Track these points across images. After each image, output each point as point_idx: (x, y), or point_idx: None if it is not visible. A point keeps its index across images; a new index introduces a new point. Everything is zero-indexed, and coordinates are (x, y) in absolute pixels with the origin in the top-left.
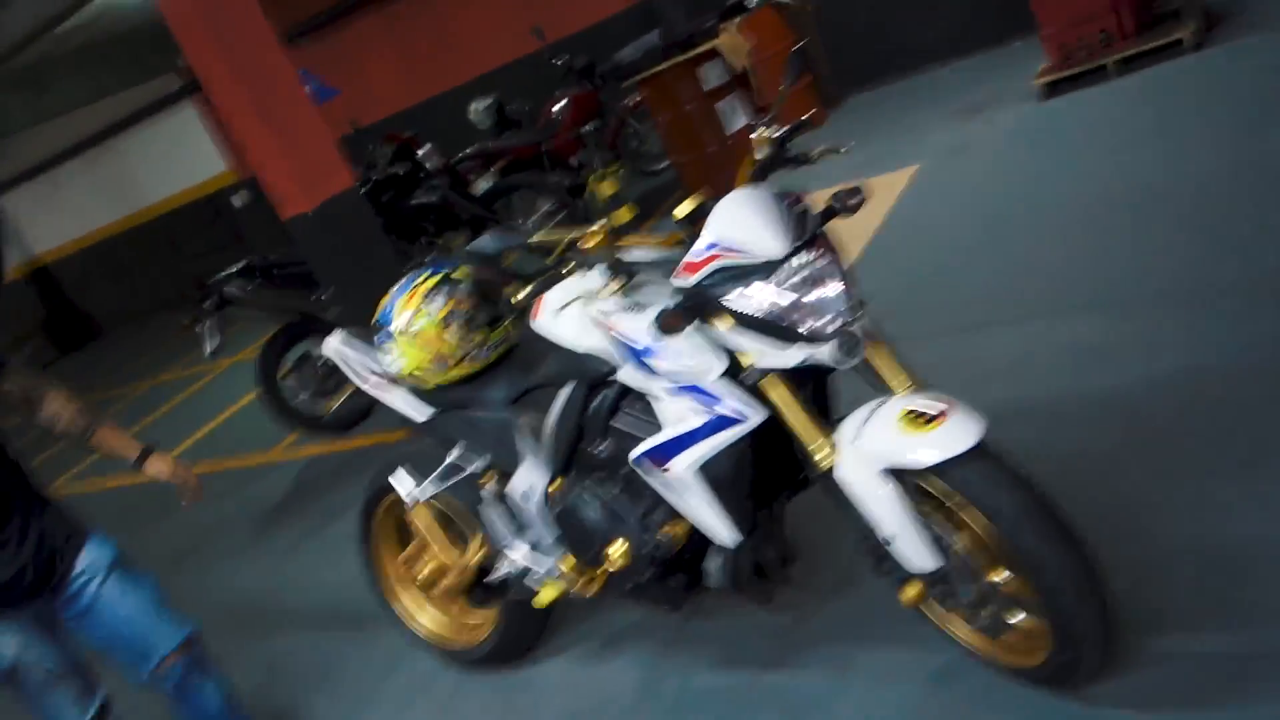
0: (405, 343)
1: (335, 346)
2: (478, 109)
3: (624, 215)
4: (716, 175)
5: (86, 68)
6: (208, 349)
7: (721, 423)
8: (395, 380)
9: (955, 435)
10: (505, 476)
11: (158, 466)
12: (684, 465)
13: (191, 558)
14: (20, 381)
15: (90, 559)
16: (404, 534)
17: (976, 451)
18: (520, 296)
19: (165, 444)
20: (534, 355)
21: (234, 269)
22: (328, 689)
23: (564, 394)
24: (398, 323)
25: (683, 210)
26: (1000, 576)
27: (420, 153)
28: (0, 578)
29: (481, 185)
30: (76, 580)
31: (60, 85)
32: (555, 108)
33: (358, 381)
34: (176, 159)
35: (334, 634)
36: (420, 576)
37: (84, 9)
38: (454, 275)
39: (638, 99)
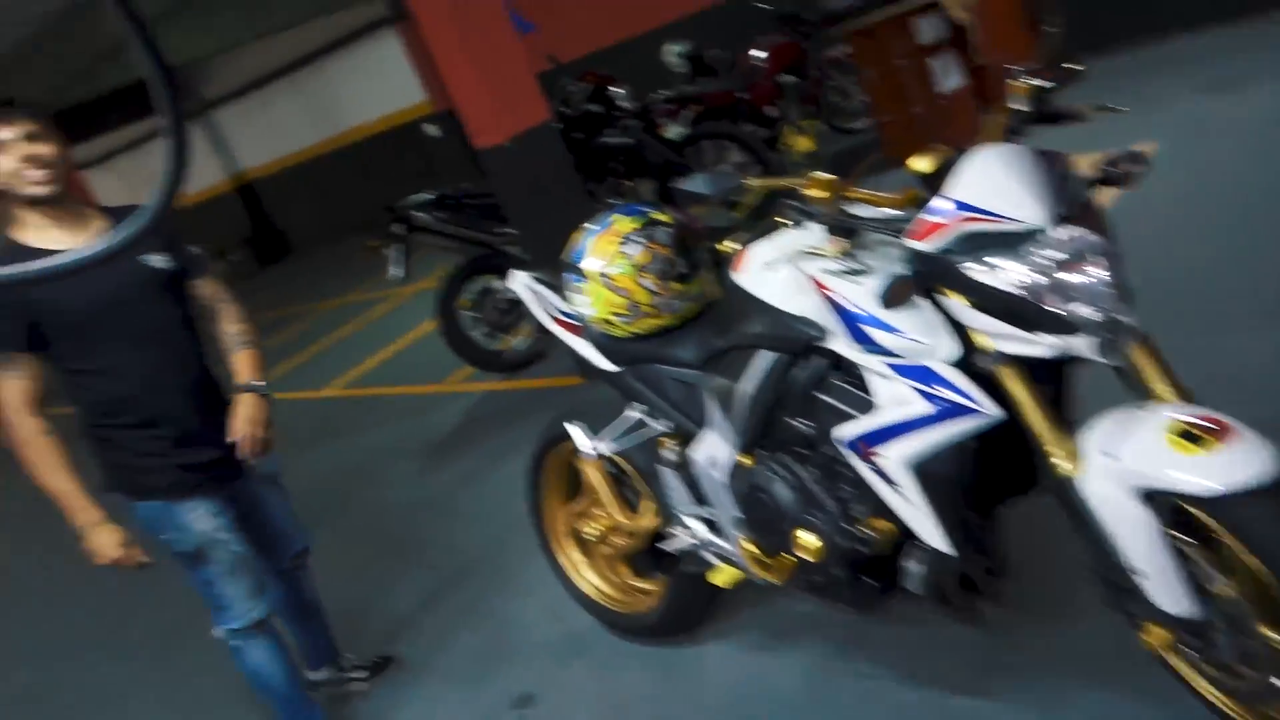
0: (598, 286)
1: (523, 282)
2: (672, 52)
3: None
4: (920, 137)
5: None
6: (392, 273)
7: (948, 413)
8: (582, 324)
9: (1243, 465)
10: (689, 441)
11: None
12: (898, 456)
13: (362, 479)
14: (211, 289)
15: (265, 464)
16: (575, 485)
17: (1268, 488)
18: (728, 245)
19: (344, 364)
20: (733, 314)
21: (425, 197)
22: (477, 626)
23: (764, 358)
24: (591, 264)
25: (922, 164)
26: (1276, 635)
27: (615, 93)
28: (211, 455)
29: (674, 131)
30: (250, 476)
31: (279, 4)
32: (755, 55)
33: (544, 320)
34: (377, 86)
35: (492, 575)
36: (587, 532)
37: None
38: (656, 217)
39: (844, 51)
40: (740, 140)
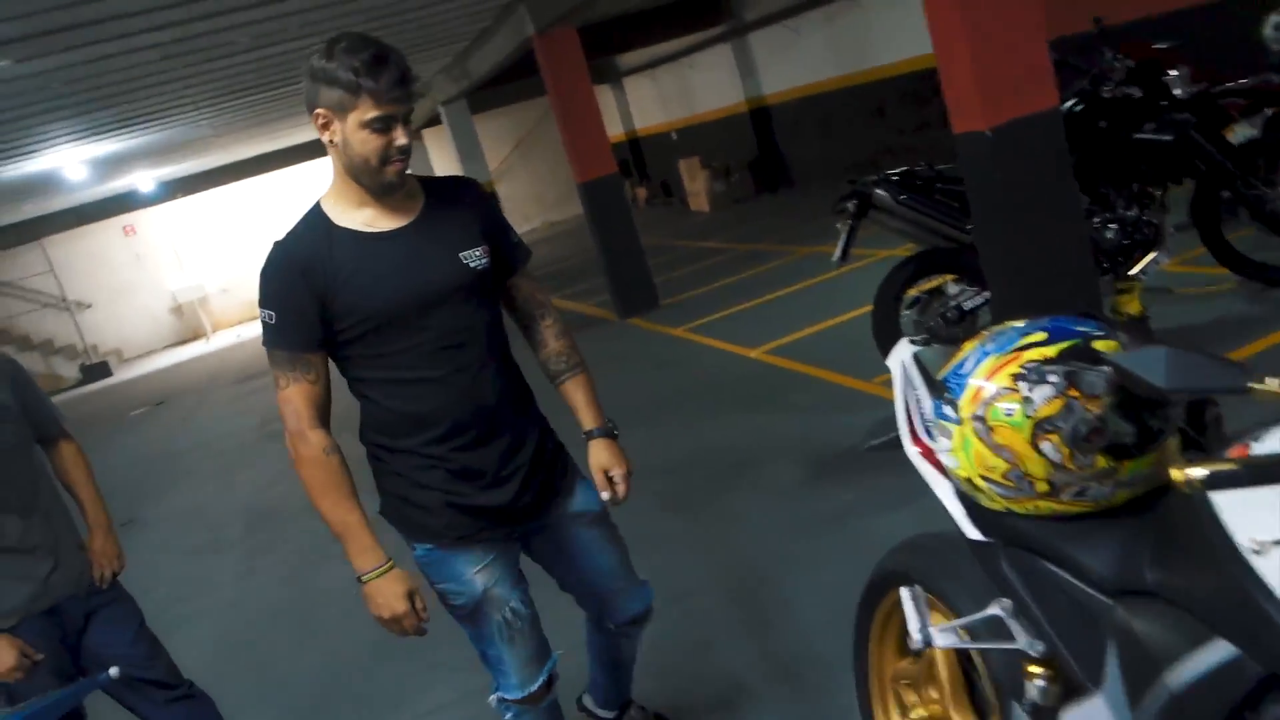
0: (971, 434)
1: (902, 355)
2: (1275, 24)
3: None
4: None
5: None
6: (836, 254)
7: None
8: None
9: None
10: (1068, 688)
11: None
12: None
13: (741, 470)
14: (529, 288)
15: (582, 500)
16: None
17: None
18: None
19: (782, 325)
20: (1195, 548)
21: (891, 173)
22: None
23: (1219, 651)
24: (970, 398)
25: None
26: None
27: (1170, 75)
28: (494, 499)
29: (1241, 133)
30: (562, 517)
31: None
32: None
33: (900, 428)
34: (909, 26)
35: (799, 652)
36: (914, 710)
37: None
38: (1094, 346)
39: None
40: None
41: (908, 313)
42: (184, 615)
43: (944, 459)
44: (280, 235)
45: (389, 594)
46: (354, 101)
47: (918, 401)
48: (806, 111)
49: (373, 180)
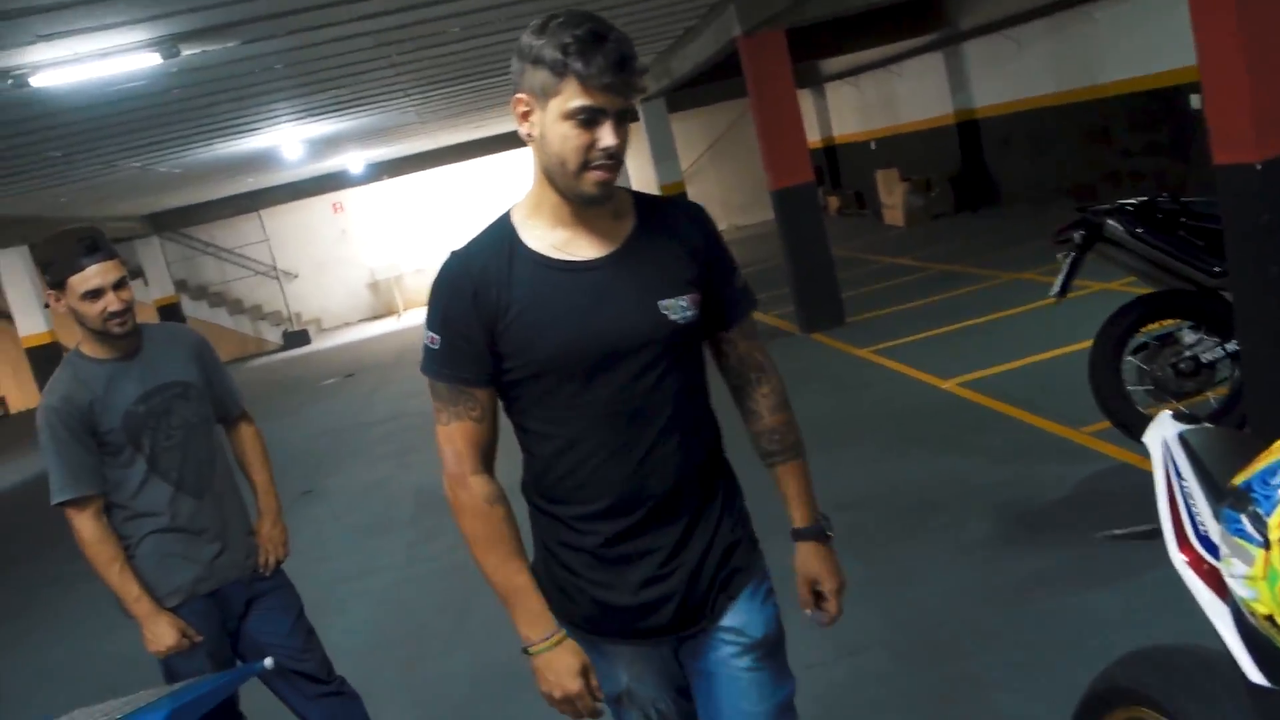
0: (1278, 560)
1: (1165, 434)
2: None
3: None
4: None
5: None
6: (1054, 286)
7: None
8: (1230, 592)
9: None
10: None
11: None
12: None
13: (914, 519)
14: (746, 347)
15: (746, 617)
16: None
17: None
18: None
19: (978, 357)
20: None
21: (1127, 203)
22: None
23: None
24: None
25: None
26: None
27: None
28: (646, 603)
29: None
30: (719, 633)
31: None
32: None
33: (1165, 527)
34: (1140, 41)
35: None
36: None
37: None
38: None
39: None
40: None
41: (1132, 358)
42: (345, 597)
43: (1232, 583)
44: (460, 244)
45: (560, 670)
46: (557, 85)
47: (1189, 498)
48: (1020, 127)
49: (569, 188)
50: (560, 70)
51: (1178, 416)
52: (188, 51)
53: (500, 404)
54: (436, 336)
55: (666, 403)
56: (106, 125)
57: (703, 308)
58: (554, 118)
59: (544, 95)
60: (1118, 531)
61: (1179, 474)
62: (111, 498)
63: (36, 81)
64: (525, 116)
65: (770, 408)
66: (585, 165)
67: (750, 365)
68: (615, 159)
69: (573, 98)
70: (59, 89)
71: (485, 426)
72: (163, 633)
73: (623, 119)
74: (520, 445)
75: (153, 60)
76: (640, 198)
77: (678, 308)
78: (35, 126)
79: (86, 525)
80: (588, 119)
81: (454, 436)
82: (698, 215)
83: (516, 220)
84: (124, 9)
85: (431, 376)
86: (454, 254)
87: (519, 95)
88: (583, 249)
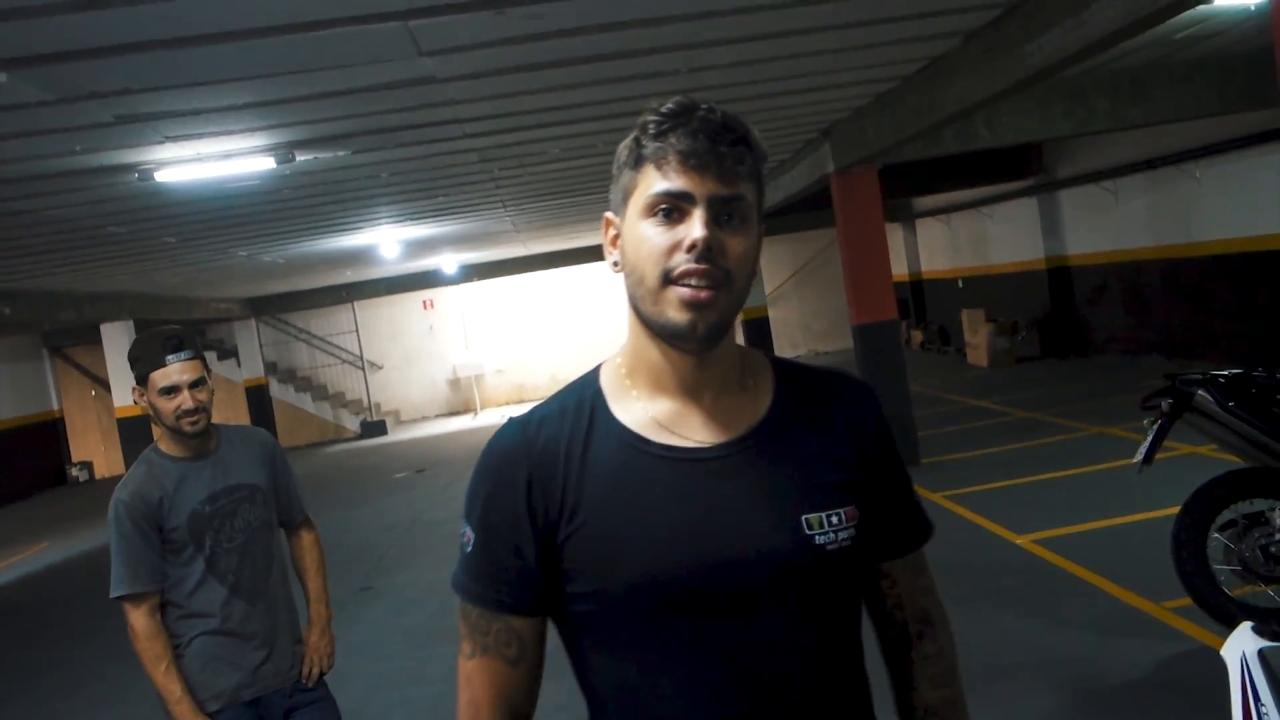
0: None
1: (1241, 647)
2: None
3: None
4: None
5: (1189, 83)
6: (1139, 455)
7: None
8: None
9: None
10: None
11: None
12: None
13: (986, 681)
14: (912, 585)
15: None
16: None
17: None
18: None
19: (1058, 513)
20: None
21: (1219, 374)
22: None
23: None
24: None
25: None
26: None
27: None
28: None
29: None
30: None
31: (1154, 96)
32: None
33: None
34: (1245, 203)
35: None
36: None
37: (1180, 19)
38: None
39: None
40: None
41: (1219, 535)
42: (389, 706)
43: None
44: (524, 410)
45: None
46: (634, 177)
47: (1264, 719)
48: (1114, 278)
49: (652, 318)
50: (637, 156)
51: (1259, 630)
52: (301, 157)
53: (560, 636)
54: (472, 536)
55: (801, 665)
56: (219, 218)
57: (860, 528)
58: (633, 220)
59: (624, 201)
60: None
61: (1257, 696)
62: (168, 595)
63: (161, 176)
64: (614, 242)
65: (933, 677)
66: (667, 277)
67: (914, 614)
68: (713, 266)
69: (651, 184)
70: (180, 184)
71: (521, 672)
72: None
73: (726, 210)
74: (585, 698)
75: (268, 164)
76: (783, 366)
77: (829, 525)
78: (155, 215)
79: (141, 620)
80: (669, 209)
81: (475, 679)
82: (866, 397)
83: (606, 382)
84: (249, 119)
85: (461, 595)
86: (512, 421)
87: (606, 216)
88: (695, 430)
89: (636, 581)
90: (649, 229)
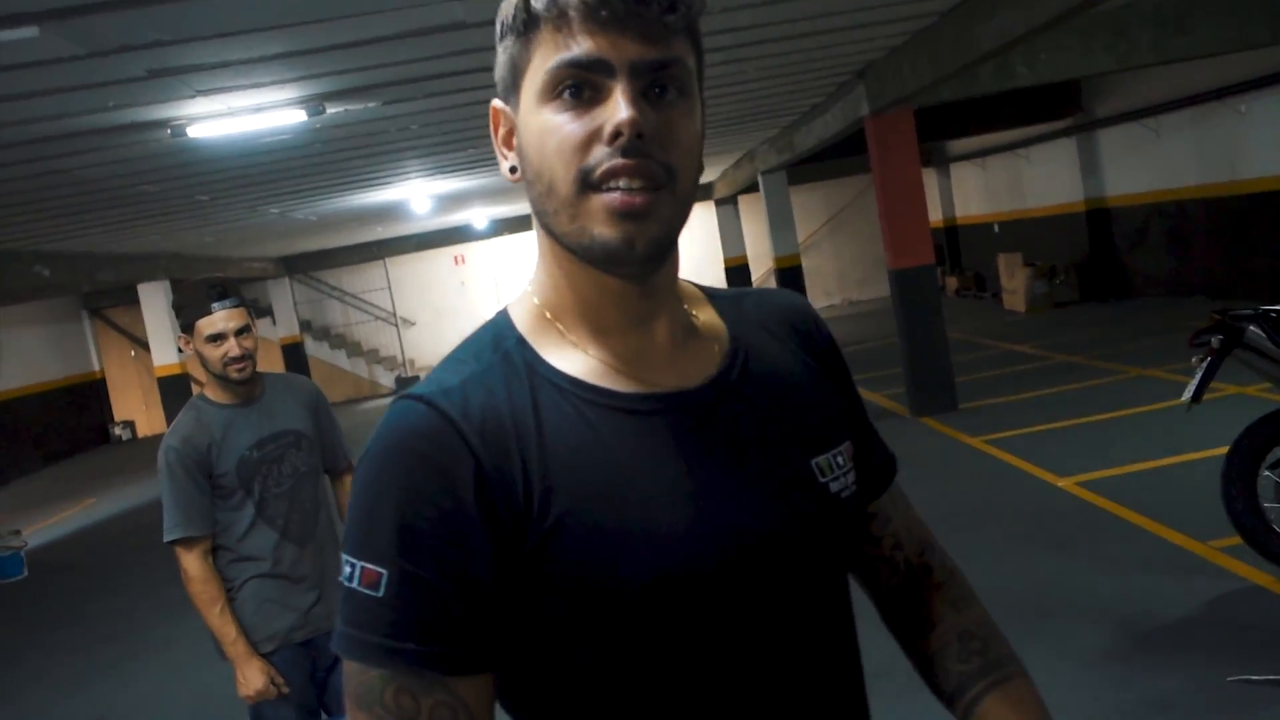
0: None
1: None
2: None
3: None
4: None
5: (1235, 14)
6: (1187, 392)
7: None
8: None
9: None
10: None
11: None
12: None
13: (1037, 623)
14: (902, 520)
15: None
16: None
17: None
18: None
19: (1099, 455)
20: None
21: (1271, 309)
22: None
23: None
24: None
25: None
26: None
27: None
28: None
29: None
30: None
31: (1199, 29)
32: None
33: None
34: None
35: None
36: None
37: None
38: None
39: None
40: None
41: (1270, 473)
42: None
43: None
44: (418, 386)
45: None
46: (526, 51)
47: None
48: (1156, 218)
49: (569, 237)
50: (526, 16)
51: None
52: (332, 110)
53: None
54: (380, 573)
55: (825, 638)
56: (251, 174)
57: (856, 467)
58: (530, 106)
59: (515, 82)
60: (1254, 678)
61: None
62: (219, 540)
63: (193, 132)
64: (507, 141)
65: (955, 600)
66: (586, 181)
67: (915, 548)
68: (647, 159)
69: (549, 54)
70: (212, 139)
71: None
72: (254, 678)
73: (657, 81)
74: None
75: (299, 117)
76: (707, 290)
77: (836, 469)
78: (187, 173)
79: (194, 564)
80: (577, 86)
81: None
82: (810, 313)
83: (527, 329)
84: (278, 70)
85: (373, 663)
86: (412, 397)
87: (493, 105)
88: (661, 372)
89: (650, 581)
90: (553, 117)
